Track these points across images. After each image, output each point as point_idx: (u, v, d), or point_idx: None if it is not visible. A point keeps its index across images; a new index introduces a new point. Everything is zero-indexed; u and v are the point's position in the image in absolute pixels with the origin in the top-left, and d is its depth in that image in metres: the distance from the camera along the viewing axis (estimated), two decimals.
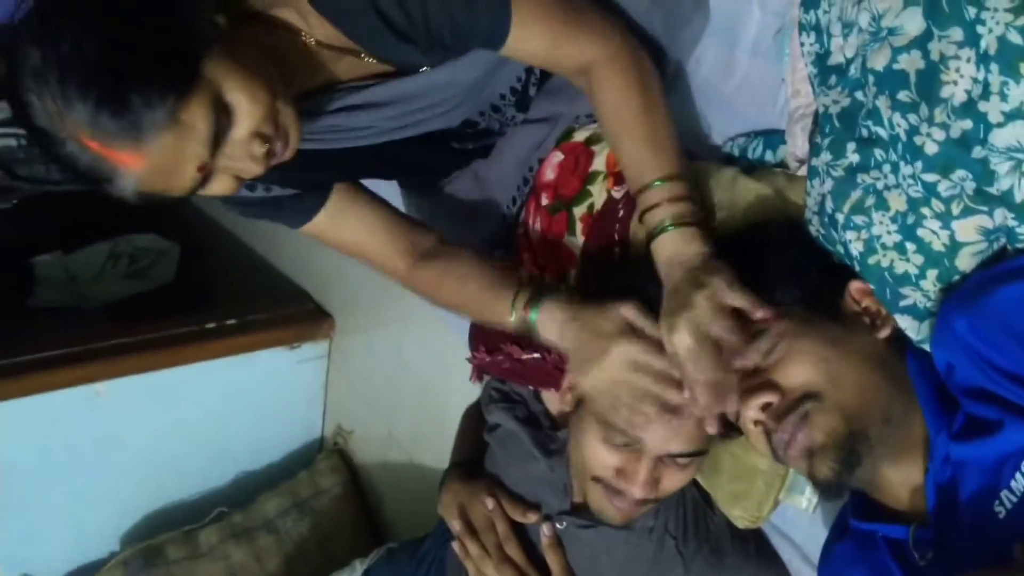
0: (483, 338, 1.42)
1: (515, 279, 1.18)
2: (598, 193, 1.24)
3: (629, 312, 1.04)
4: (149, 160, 0.87)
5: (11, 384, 2.11)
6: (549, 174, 1.30)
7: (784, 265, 0.99)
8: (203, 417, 2.44)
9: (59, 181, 2.74)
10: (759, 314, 0.95)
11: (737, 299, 0.95)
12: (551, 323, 1.10)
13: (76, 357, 2.21)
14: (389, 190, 1.45)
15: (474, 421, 1.56)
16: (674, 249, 1.01)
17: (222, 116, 0.89)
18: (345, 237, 1.24)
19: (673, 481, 1.12)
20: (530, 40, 1.04)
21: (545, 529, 1.27)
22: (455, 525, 1.34)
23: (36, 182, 2.72)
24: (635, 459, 1.10)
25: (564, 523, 1.27)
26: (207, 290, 3.04)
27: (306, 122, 1.06)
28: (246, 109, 0.90)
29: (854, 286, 0.97)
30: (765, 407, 0.92)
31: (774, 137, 1.15)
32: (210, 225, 3.03)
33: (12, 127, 2.66)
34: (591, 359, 1.05)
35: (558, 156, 1.28)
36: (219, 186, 0.96)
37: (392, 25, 0.99)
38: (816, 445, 0.89)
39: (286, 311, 2.53)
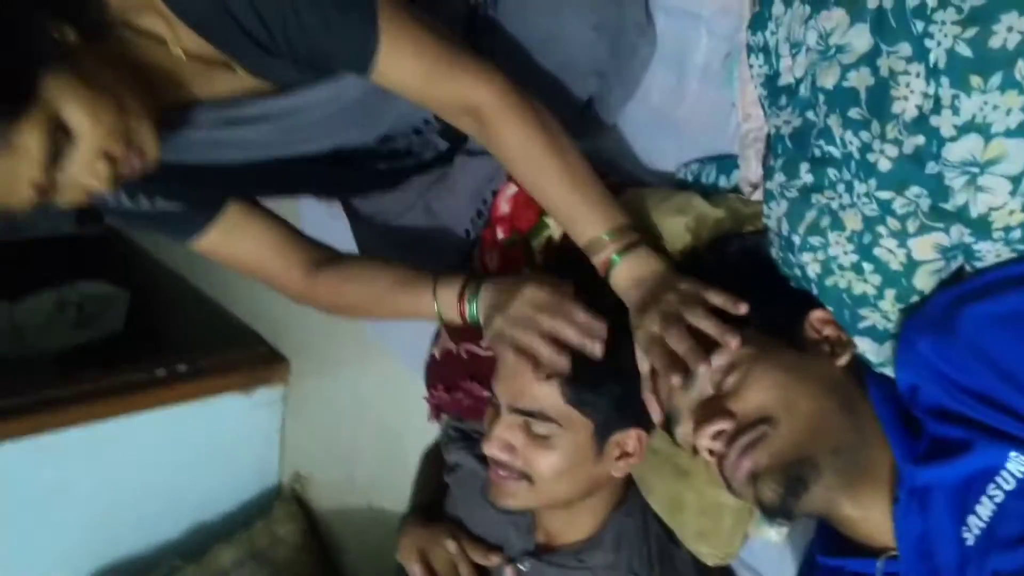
0: (441, 376, 1.39)
1: (426, 273, 1.19)
2: (555, 225, 1.22)
3: (540, 283, 1.07)
4: None
5: None
6: (504, 207, 1.28)
7: (742, 288, 0.97)
8: (155, 467, 2.38)
9: (1, 230, 2.69)
10: (741, 309, 0.93)
11: (714, 296, 0.95)
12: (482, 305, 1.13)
13: (21, 409, 2.16)
14: (340, 227, 1.43)
15: (433, 463, 1.54)
16: (630, 274, 1.01)
17: (59, 137, 0.88)
18: (239, 253, 1.22)
19: (535, 457, 1.12)
20: (400, 71, 1.01)
21: (508, 572, 1.25)
22: (415, 570, 1.31)
23: None
24: (495, 415, 1.14)
25: (527, 564, 1.25)
26: (158, 336, 3.01)
27: (180, 134, 1.06)
28: (88, 130, 0.89)
29: (815, 315, 0.96)
30: (718, 434, 0.90)
31: (727, 162, 1.14)
32: (160, 269, 3.00)
33: None
34: (500, 305, 1.08)
35: (512, 188, 1.27)
36: (69, 196, 0.95)
37: (249, 33, 0.97)
38: (760, 468, 0.87)
39: (239, 355, 2.50)
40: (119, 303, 3.05)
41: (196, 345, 2.63)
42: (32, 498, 2.22)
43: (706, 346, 0.92)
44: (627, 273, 1.01)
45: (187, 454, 2.43)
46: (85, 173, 0.91)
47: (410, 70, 1.01)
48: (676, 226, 1.10)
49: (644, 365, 0.99)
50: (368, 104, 1.12)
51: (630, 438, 1.13)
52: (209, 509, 2.52)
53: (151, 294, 3.06)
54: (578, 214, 1.04)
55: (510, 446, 1.12)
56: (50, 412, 2.18)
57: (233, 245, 1.20)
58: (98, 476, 2.30)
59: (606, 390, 1.08)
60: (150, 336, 2.99)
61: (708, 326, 0.93)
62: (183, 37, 0.99)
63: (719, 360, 0.91)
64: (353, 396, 2.22)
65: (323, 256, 1.25)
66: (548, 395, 1.08)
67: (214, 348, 2.50)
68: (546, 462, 1.12)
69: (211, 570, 2.31)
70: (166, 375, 2.35)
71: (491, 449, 1.13)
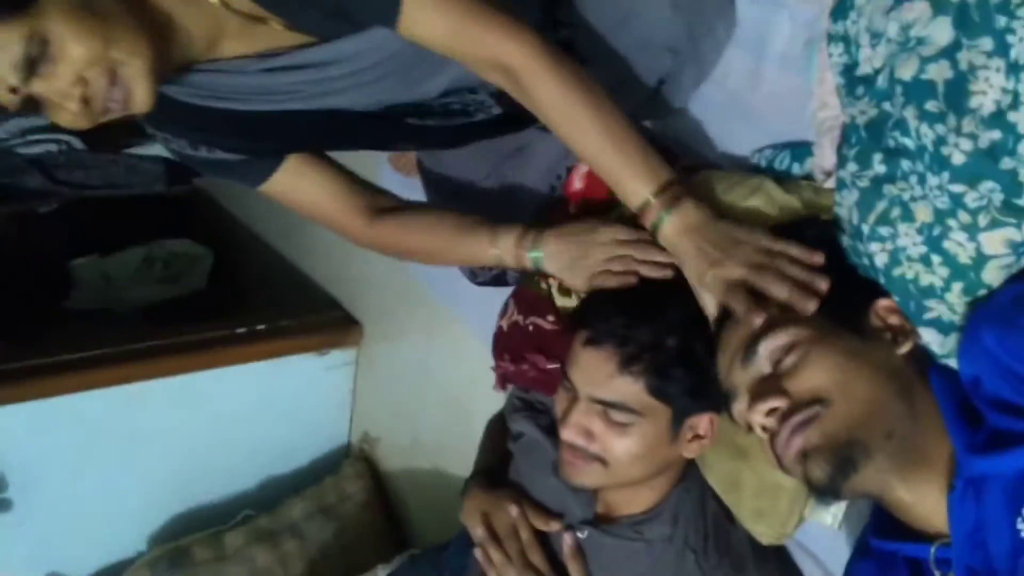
0: (507, 347, 1.42)
1: (485, 220, 1.23)
2: None
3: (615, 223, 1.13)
4: None
5: (46, 383, 2.14)
6: (577, 183, 1.30)
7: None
8: (232, 420, 2.46)
9: (97, 186, 2.81)
10: (817, 259, 0.97)
11: (788, 246, 0.98)
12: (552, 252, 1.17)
13: (110, 358, 2.25)
14: (417, 198, 1.46)
15: (498, 430, 1.56)
16: (680, 225, 1.03)
17: (38, 47, 0.93)
18: (302, 198, 1.25)
19: (613, 442, 1.13)
20: (426, 23, 1.01)
21: (567, 538, 1.27)
22: (478, 532, 1.34)
23: (75, 186, 2.79)
24: (571, 400, 1.15)
25: (586, 532, 1.26)
26: (239, 296, 3.07)
27: (226, 81, 1.10)
28: (68, 49, 0.94)
29: (881, 303, 0.96)
30: (772, 412, 0.91)
31: (801, 149, 1.14)
32: (243, 232, 3.07)
33: (54, 133, 2.73)
34: (579, 256, 1.14)
35: (586, 166, 1.28)
36: (57, 116, 1.00)
37: None
38: (811, 446, 0.88)
39: (316, 318, 2.55)
40: (203, 262, 3.13)
41: (275, 306, 2.70)
42: (117, 444, 2.32)
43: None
44: (675, 226, 1.03)
45: (263, 410, 2.49)
46: (59, 93, 0.96)
47: (435, 24, 1.01)
48: (749, 209, 1.10)
49: (713, 308, 1.02)
50: (407, 61, 1.11)
51: (703, 421, 1.14)
52: (282, 464, 2.58)
53: (234, 255, 3.13)
54: (624, 176, 1.05)
55: (588, 432, 1.13)
56: (135, 363, 2.26)
57: (296, 191, 1.24)
58: (179, 426, 2.38)
59: (687, 378, 1.09)
60: (232, 295, 3.05)
61: (798, 273, 0.96)
62: None
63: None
64: (422, 362, 2.26)
65: (386, 203, 1.28)
66: (630, 387, 1.09)
67: (292, 310, 2.56)
68: (623, 447, 1.13)
69: (282, 521, 2.37)
70: (246, 333, 2.42)
71: (569, 435, 1.14)
